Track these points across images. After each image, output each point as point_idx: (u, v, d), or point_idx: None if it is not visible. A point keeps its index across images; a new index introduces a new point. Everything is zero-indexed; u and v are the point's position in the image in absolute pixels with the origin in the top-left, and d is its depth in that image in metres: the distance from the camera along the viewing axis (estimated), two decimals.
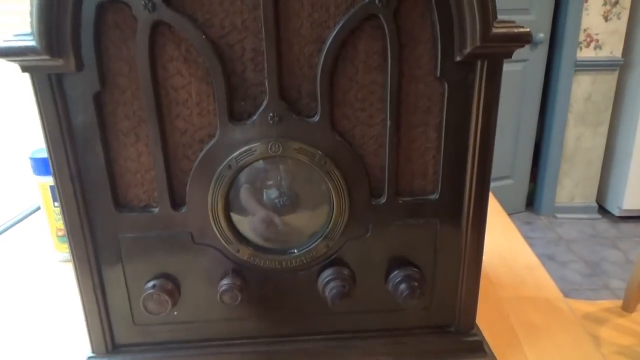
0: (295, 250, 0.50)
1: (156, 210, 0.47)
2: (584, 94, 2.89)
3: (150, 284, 0.49)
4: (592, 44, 2.79)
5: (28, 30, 0.39)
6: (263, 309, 0.52)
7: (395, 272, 0.50)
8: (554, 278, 0.74)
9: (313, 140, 0.45)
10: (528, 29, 0.41)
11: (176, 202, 0.47)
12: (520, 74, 2.75)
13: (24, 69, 0.41)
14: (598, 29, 2.77)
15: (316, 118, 0.45)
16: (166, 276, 0.50)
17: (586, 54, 2.81)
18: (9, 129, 1.77)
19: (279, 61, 0.43)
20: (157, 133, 0.44)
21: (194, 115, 0.45)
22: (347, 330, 0.53)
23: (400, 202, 0.48)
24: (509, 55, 0.43)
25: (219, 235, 0.48)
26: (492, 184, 0.54)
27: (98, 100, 0.43)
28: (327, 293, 0.49)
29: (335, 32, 0.42)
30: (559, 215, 3.10)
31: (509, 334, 0.60)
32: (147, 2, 0.40)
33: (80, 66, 0.42)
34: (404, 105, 0.45)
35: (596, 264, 2.61)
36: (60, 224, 0.78)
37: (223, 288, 0.49)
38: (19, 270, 0.80)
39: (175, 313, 0.51)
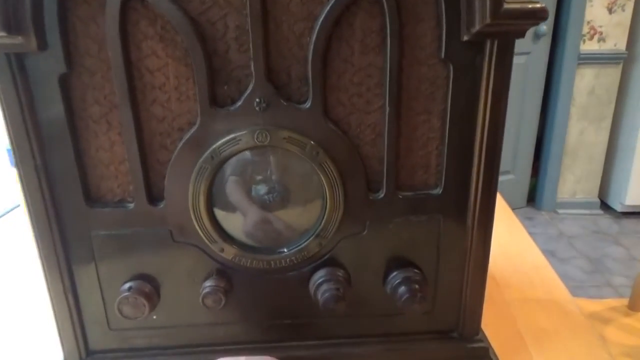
0: (285, 250, 0.45)
1: (131, 205, 0.43)
2: (587, 88, 2.84)
3: (126, 286, 0.45)
4: (596, 37, 2.74)
5: None
6: (250, 313, 0.48)
7: (395, 273, 0.46)
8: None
9: (304, 129, 0.41)
10: (543, 5, 0.37)
11: (153, 196, 0.43)
12: (522, 67, 2.70)
13: None
14: (602, 21, 2.71)
15: (307, 104, 0.40)
16: (144, 277, 0.45)
17: (589, 46, 2.75)
18: None
19: (266, 40, 0.39)
20: (131, 120, 0.40)
21: (172, 101, 0.40)
22: (341, 336, 0.49)
23: (400, 197, 0.44)
24: (521, 34, 0.39)
25: (201, 233, 0.44)
26: None
27: (65, 84, 0.39)
28: (319, 296, 0.44)
29: (328, 8, 0.38)
30: (560, 211, 3.06)
31: (516, 339, 0.56)
32: None
33: (43, 45, 0.37)
34: (404, 90, 0.41)
35: (598, 261, 2.57)
36: None
37: (206, 290, 0.45)
38: None
39: (155, 317, 0.47)
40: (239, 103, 0.40)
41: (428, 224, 0.45)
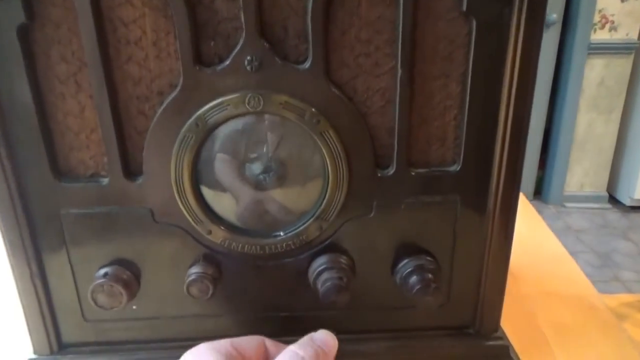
0: (281, 233, 0.40)
1: (106, 180, 0.38)
2: (596, 79, 2.77)
3: (102, 271, 0.40)
4: (607, 26, 2.66)
5: None
6: (242, 304, 0.43)
7: (405, 261, 0.41)
8: None
9: (303, 93, 0.36)
10: None
11: (131, 170, 0.38)
12: None
13: None
14: (614, 10, 2.63)
15: (307, 64, 0.35)
16: (121, 262, 0.40)
17: (600, 36, 2.68)
18: None
19: None
20: (103, 81, 0.34)
21: (150, 59, 0.35)
22: (344, 331, 0.43)
23: (412, 174, 0.39)
24: None
25: (185, 213, 0.39)
26: None
27: (25, 37, 0.34)
28: (319, 286, 0.39)
29: None
30: (567, 205, 2.99)
31: (537, 336, 0.51)
32: None
33: None
34: (419, 49, 0.35)
35: (606, 255, 2.51)
36: None
37: (191, 278, 0.39)
38: None
39: (135, 307, 0.42)
40: (227, 62, 0.35)
41: (443, 205, 0.40)
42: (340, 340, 0.39)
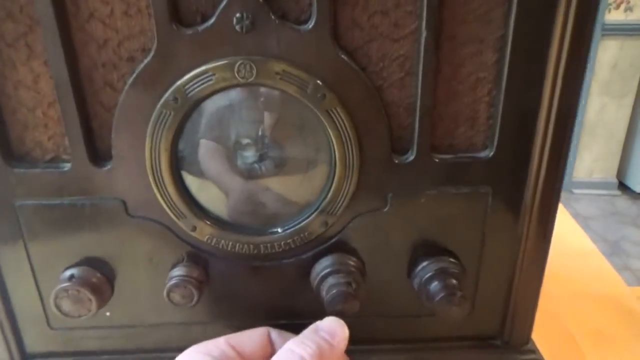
0: (279, 229, 0.34)
1: (68, 166, 0.31)
2: (609, 61, 2.67)
3: (68, 273, 0.34)
4: (623, 6, 2.56)
5: None
6: (232, 311, 0.37)
7: (425, 263, 0.34)
8: None
9: (305, 61, 0.29)
10: None
11: (98, 153, 0.32)
12: None
13: None
14: None
15: (310, 24, 0.28)
16: (92, 263, 0.34)
17: (615, 16, 2.58)
18: None
19: None
20: (59, 44, 0.28)
21: (117, 16, 0.28)
22: (352, 341, 0.37)
23: (436, 160, 0.32)
24: None
25: (164, 206, 0.32)
26: None
27: None
28: (324, 293, 0.33)
29: None
30: (576, 191, 2.92)
31: (569, 346, 0.45)
32: None
33: None
34: (448, 6, 0.29)
35: (616, 243, 2.45)
36: None
37: (172, 282, 0.33)
38: None
39: (108, 314, 0.36)
40: (212, 20, 0.28)
41: (471, 198, 0.33)
42: (349, 352, 0.33)
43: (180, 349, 0.32)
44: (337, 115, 0.30)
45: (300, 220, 0.34)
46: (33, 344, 0.37)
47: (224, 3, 0.27)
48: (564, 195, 2.96)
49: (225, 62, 0.29)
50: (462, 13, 0.29)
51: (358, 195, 0.33)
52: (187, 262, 0.34)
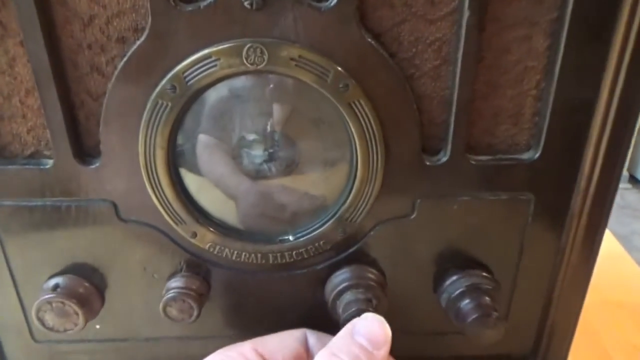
0: (290, 237, 0.30)
1: (50, 162, 0.27)
2: None
3: (52, 283, 0.30)
4: None
5: None
6: (235, 326, 0.33)
7: (454, 277, 0.30)
8: None
9: (325, 45, 0.25)
10: None
11: (84, 149, 0.28)
12: None
13: None
14: None
15: (331, 1, 0.24)
16: (79, 270, 0.30)
17: None
18: None
19: None
20: (37, 21, 0.24)
21: None
22: None
23: (472, 162, 0.28)
24: None
25: (160, 208, 0.28)
26: None
27: None
28: (340, 310, 0.29)
29: None
30: None
31: None
32: None
33: None
34: None
35: (626, 238, 2.41)
36: None
37: (169, 296, 0.29)
38: None
39: (98, 327, 0.32)
40: None
41: (510, 206, 0.29)
42: None
43: None
44: (361, 109, 0.26)
45: (314, 226, 0.30)
46: (15, 358, 0.34)
47: None
48: None
49: (231, 45, 0.24)
50: None
51: (382, 200, 0.29)
52: (186, 272, 0.30)
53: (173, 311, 0.30)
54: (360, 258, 0.30)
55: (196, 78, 0.25)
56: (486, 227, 0.30)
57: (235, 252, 0.30)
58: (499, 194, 0.29)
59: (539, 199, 0.29)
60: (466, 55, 0.25)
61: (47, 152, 0.28)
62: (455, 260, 0.31)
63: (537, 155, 0.28)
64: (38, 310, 0.29)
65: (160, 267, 0.30)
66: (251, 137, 0.27)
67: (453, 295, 0.30)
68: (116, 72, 0.25)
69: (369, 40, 0.25)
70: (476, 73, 0.26)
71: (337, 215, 0.29)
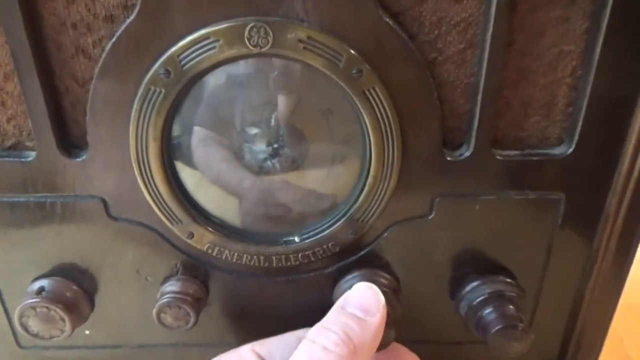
0: (296, 238, 0.27)
1: (32, 155, 0.25)
2: None
3: (37, 285, 0.28)
4: None
5: None
6: (235, 333, 0.30)
7: (475, 283, 0.28)
8: None
9: (338, 25, 0.22)
10: None
11: (70, 140, 0.25)
12: None
13: None
14: None
15: None
16: (66, 272, 0.28)
17: None
18: None
19: None
20: None
21: None
22: None
23: (498, 158, 0.25)
24: None
25: (154, 206, 0.26)
26: None
27: None
28: None
29: None
30: None
31: None
32: None
33: None
34: None
35: None
36: None
37: (163, 301, 0.27)
38: None
39: (87, 332, 0.30)
40: None
41: (539, 206, 0.27)
42: None
43: None
44: (376, 97, 0.23)
45: (322, 227, 0.27)
46: None
47: None
48: None
49: (232, 24, 0.22)
50: None
51: (397, 198, 0.26)
52: (182, 276, 0.28)
53: (168, 318, 0.27)
54: (372, 261, 0.28)
55: (193, 61, 0.22)
56: (511, 229, 0.27)
57: (236, 254, 0.27)
58: (527, 193, 0.26)
59: (571, 199, 0.26)
60: (495, 38, 0.22)
61: (29, 144, 0.25)
62: (476, 264, 0.28)
63: (570, 150, 0.25)
64: (21, 316, 0.27)
65: (154, 270, 0.28)
66: (253, 130, 0.25)
67: (474, 303, 0.27)
68: (104, 55, 0.23)
69: (387, 20, 0.22)
70: (506, 59, 0.23)
71: (347, 215, 0.26)
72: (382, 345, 0.25)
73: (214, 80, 0.24)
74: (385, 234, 0.27)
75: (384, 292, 0.27)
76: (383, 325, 0.24)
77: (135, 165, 0.25)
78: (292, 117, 0.25)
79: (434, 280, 0.29)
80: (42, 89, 0.23)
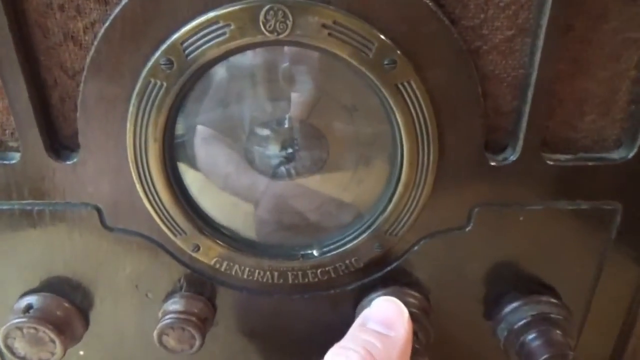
0: (314, 252, 0.24)
1: (17, 156, 0.22)
2: None
3: (24, 302, 0.25)
4: None
5: None
6: (246, 357, 0.27)
7: (516, 303, 0.25)
8: None
9: (367, 7, 0.19)
10: None
11: (59, 140, 0.22)
12: None
13: None
14: None
15: None
16: (57, 287, 0.25)
17: None
18: None
19: None
20: None
21: None
22: None
23: (548, 163, 0.22)
24: None
25: (155, 216, 0.23)
26: None
27: None
28: None
29: None
30: None
31: None
32: None
33: None
34: None
35: None
36: None
37: (166, 322, 0.24)
38: None
39: (82, 353, 0.27)
40: None
41: (592, 218, 0.24)
42: None
43: None
44: (411, 92, 0.20)
45: (345, 239, 0.24)
46: None
47: None
48: None
49: (245, 6, 0.19)
50: None
51: (431, 208, 0.23)
52: (187, 292, 0.25)
53: (171, 341, 0.24)
54: (400, 278, 0.25)
55: (199, 50, 0.19)
56: (558, 243, 0.24)
57: (247, 269, 0.24)
58: (579, 203, 0.23)
59: (628, 209, 0.23)
60: (552, 23, 0.19)
61: (12, 144, 0.22)
62: (517, 282, 0.25)
63: (631, 155, 0.22)
64: (6, 337, 0.24)
65: (155, 285, 0.25)
66: (264, 130, 0.22)
67: (515, 327, 0.24)
68: (96, 42, 0.20)
69: (426, 1, 0.19)
70: (560, 50, 0.20)
71: (373, 227, 0.23)
72: None
73: (223, 71, 0.21)
74: (415, 248, 0.24)
75: (412, 313, 0.24)
76: (410, 339, 0.21)
77: (133, 169, 0.22)
78: (312, 115, 0.22)
79: (469, 300, 0.25)
80: (26, 81, 0.20)
